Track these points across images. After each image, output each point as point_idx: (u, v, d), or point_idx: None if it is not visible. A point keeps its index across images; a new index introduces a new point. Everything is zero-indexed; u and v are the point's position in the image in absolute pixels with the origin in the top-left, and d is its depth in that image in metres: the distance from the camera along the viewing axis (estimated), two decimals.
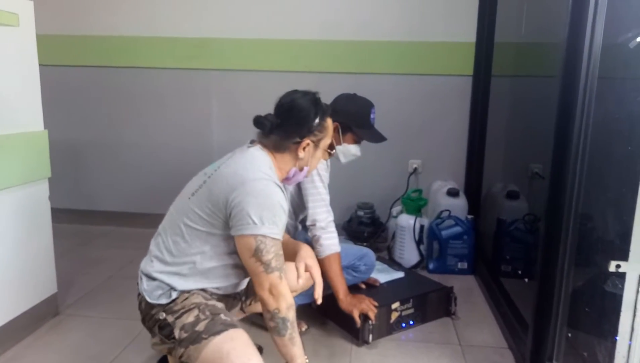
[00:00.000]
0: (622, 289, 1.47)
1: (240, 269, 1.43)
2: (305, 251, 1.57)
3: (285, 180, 1.52)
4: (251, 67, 3.13)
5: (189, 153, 3.19)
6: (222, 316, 1.35)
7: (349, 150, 2.01)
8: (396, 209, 2.96)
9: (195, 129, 3.27)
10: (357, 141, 2.03)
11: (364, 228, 3.00)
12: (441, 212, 2.73)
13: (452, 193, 2.80)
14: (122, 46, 3.26)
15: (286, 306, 1.35)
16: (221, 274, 1.42)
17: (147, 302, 1.39)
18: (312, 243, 1.86)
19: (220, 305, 1.42)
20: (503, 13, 2.79)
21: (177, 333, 1.31)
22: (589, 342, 1.67)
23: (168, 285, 1.38)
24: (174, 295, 1.36)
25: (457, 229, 2.68)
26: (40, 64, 1.94)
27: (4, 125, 1.77)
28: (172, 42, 3.22)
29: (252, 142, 1.49)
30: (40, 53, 1.93)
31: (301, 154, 1.46)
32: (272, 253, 1.32)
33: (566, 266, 1.54)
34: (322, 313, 2.10)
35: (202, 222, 1.36)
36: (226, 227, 1.35)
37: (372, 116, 2.04)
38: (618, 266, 1.42)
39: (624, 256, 1.44)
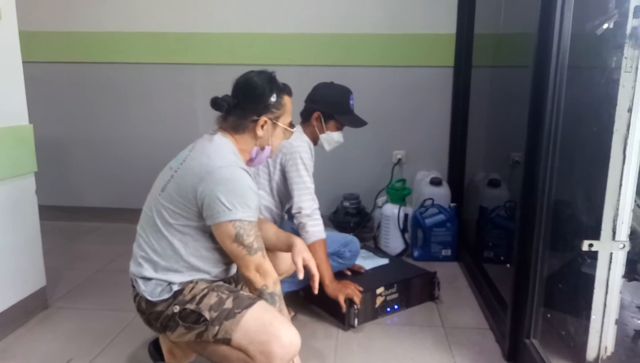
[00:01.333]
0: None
1: (225, 254, 1.45)
2: (301, 244, 1.59)
3: (250, 162, 1.53)
4: (235, 61, 3.15)
5: (175, 148, 3.11)
6: (242, 292, 1.41)
7: (332, 137, 2.08)
8: (381, 199, 3.01)
9: (180, 124, 3.28)
10: (339, 128, 2.10)
11: (350, 218, 3.05)
12: (425, 201, 2.79)
13: (435, 182, 2.86)
14: (106, 41, 3.26)
15: (272, 282, 1.41)
16: (209, 261, 1.44)
17: (148, 301, 1.40)
18: (297, 231, 1.90)
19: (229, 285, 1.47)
20: (482, 5, 2.84)
21: (207, 314, 1.34)
22: (567, 321, 1.74)
23: (165, 281, 1.40)
24: (175, 287, 1.39)
25: (441, 217, 2.74)
26: (24, 61, 1.95)
27: None
28: (156, 37, 3.23)
29: (214, 131, 1.50)
30: (24, 49, 1.94)
31: (260, 132, 1.46)
32: (252, 235, 1.35)
33: (541, 248, 1.61)
34: (309, 300, 2.15)
35: (176, 216, 1.38)
36: (200, 218, 1.37)
37: (351, 102, 2.10)
38: (590, 245, 1.49)
39: (597, 236, 1.51)
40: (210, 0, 3.17)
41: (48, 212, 2.42)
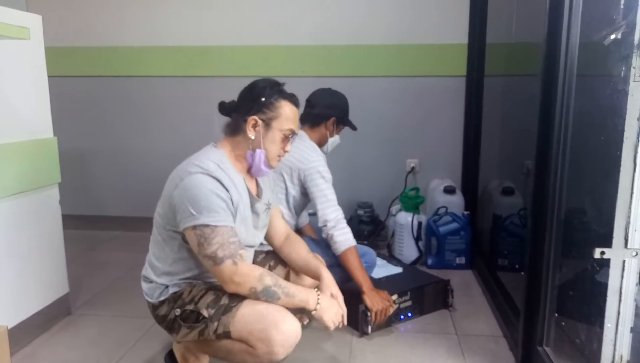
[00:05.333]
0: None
1: None
2: (329, 279, 1.55)
3: (250, 170, 1.52)
4: (250, 73, 3.16)
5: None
6: None
7: (335, 140, 2.18)
8: (395, 207, 3.03)
9: (198, 135, 3.33)
10: (339, 131, 2.19)
11: (364, 226, 3.08)
12: (438, 209, 2.81)
13: (448, 190, 2.88)
14: (126, 56, 3.37)
15: (257, 280, 1.35)
16: (188, 264, 1.46)
17: (151, 304, 1.48)
18: (326, 241, 1.95)
19: None
20: (494, 14, 2.87)
21: (205, 312, 1.38)
22: (581, 329, 1.73)
23: (162, 284, 1.46)
24: (171, 290, 1.45)
25: (454, 225, 2.75)
26: (49, 75, 2.03)
27: (16, 133, 1.87)
28: (175, 51, 3.33)
29: (215, 142, 1.54)
30: (49, 64, 2.03)
31: (250, 133, 1.44)
32: (216, 244, 1.32)
33: (552, 256, 1.61)
34: None
35: (165, 222, 1.44)
36: (177, 224, 1.40)
37: None
38: (602, 253, 1.49)
39: (609, 244, 1.51)
40: (225, 15, 3.26)
41: (70, 221, 2.50)
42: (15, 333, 1.84)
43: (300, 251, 1.67)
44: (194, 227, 1.33)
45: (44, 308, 2.01)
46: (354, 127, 2.20)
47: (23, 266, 1.90)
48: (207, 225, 1.32)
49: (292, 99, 1.51)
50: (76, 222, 3.26)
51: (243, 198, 1.47)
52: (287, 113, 1.48)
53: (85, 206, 3.51)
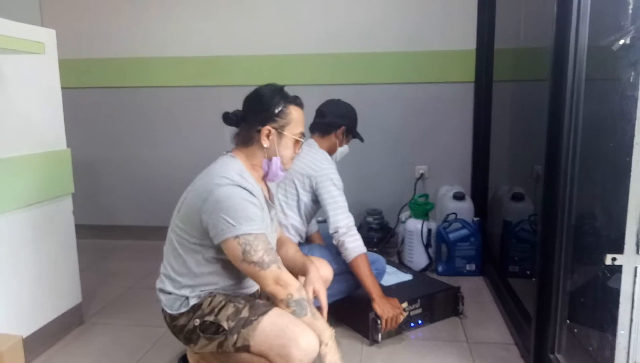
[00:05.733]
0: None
1: (236, 268, 1.47)
2: (314, 273, 1.58)
3: (266, 177, 1.56)
4: (259, 82, 3.21)
5: (202, 168, 3.30)
6: (259, 300, 1.45)
7: (344, 150, 2.21)
8: (404, 214, 3.03)
9: (207, 145, 3.39)
10: (348, 141, 2.22)
11: (373, 233, 3.08)
12: (448, 215, 2.80)
13: (458, 196, 2.87)
14: (137, 66, 3.42)
15: (296, 290, 1.40)
16: (221, 275, 1.49)
17: (170, 315, 1.49)
18: (336, 247, 1.96)
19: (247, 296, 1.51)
20: (502, 20, 2.87)
21: (225, 324, 1.39)
22: (593, 336, 1.72)
23: (183, 296, 1.47)
24: (192, 302, 1.46)
25: (464, 231, 2.74)
26: (62, 87, 2.08)
27: (31, 145, 1.91)
28: (184, 62, 3.37)
29: (227, 151, 1.56)
30: (62, 76, 2.07)
31: (265, 143, 1.48)
32: (261, 250, 1.36)
33: (563, 262, 1.60)
34: (333, 315, 2.17)
35: (188, 236, 1.45)
36: (207, 237, 1.41)
37: None
38: (614, 259, 1.48)
39: (621, 250, 1.50)
40: (233, 25, 3.29)
41: (83, 231, 2.53)
42: (29, 342, 1.87)
43: (289, 250, 1.70)
44: (236, 237, 1.35)
45: (58, 317, 2.04)
46: (361, 139, 2.25)
47: (37, 276, 1.93)
48: (249, 234, 1.35)
49: (297, 101, 1.55)
50: (88, 231, 3.30)
51: (263, 205, 1.50)
52: (296, 118, 1.52)
53: (98, 216, 3.56)
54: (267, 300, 1.60)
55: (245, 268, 1.39)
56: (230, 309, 1.42)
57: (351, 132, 2.19)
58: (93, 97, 3.49)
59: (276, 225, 1.64)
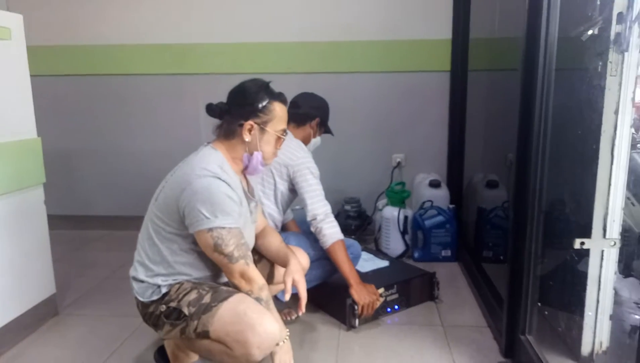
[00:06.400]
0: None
1: (211, 260, 1.48)
2: (294, 265, 1.60)
3: (246, 170, 1.56)
4: (236, 71, 3.21)
5: (178, 157, 3.21)
6: (223, 287, 1.46)
7: (317, 141, 2.24)
8: (381, 202, 3.06)
9: (183, 133, 3.35)
10: (321, 133, 2.25)
11: (351, 221, 3.10)
12: (424, 203, 2.84)
13: (434, 184, 2.91)
14: (110, 54, 3.34)
15: (258, 288, 1.44)
16: (196, 267, 1.49)
17: (141, 302, 1.49)
18: (313, 234, 1.98)
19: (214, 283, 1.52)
20: (477, 10, 2.90)
21: (185, 310, 1.39)
22: (562, 317, 1.78)
23: (155, 284, 1.47)
24: (164, 290, 1.46)
25: (440, 218, 2.79)
26: (31, 75, 2.02)
27: None
28: (160, 49, 3.31)
29: (208, 142, 1.55)
30: (31, 64, 2.01)
31: (247, 137, 1.48)
32: (232, 244, 1.38)
33: (534, 247, 1.65)
34: (311, 301, 2.20)
35: (165, 224, 1.44)
36: (183, 227, 1.42)
37: None
38: (582, 243, 1.53)
39: (589, 235, 1.55)
40: (211, 12, 3.24)
41: (56, 221, 2.48)
42: (1, 334, 1.84)
43: (273, 241, 1.71)
44: (210, 230, 1.36)
45: (31, 309, 2.01)
46: (331, 132, 2.28)
47: (8, 267, 1.89)
48: (223, 227, 1.37)
49: (281, 98, 1.55)
50: (63, 222, 3.24)
51: (242, 199, 1.50)
52: (280, 115, 1.53)
53: (72, 206, 3.49)
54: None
55: (216, 258, 1.41)
56: (193, 295, 1.42)
57: (324, 125, 2.22)
58: (66, 86, 3.40)
59: (256, 217, 1.64)
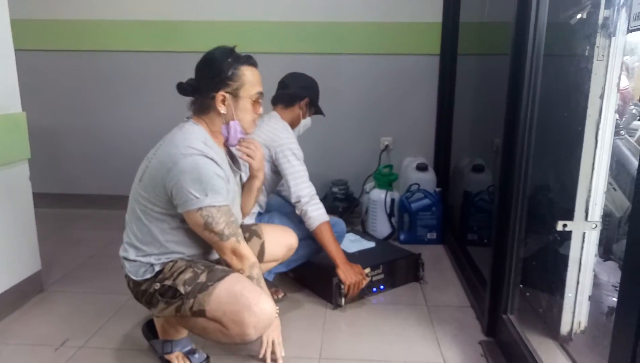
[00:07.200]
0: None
1: (200, 238, 1.48)
2: (275, 326, 1.60)
3: (227, 142, 1.53)
4: None
5: (163, 135, 3.25)
6: (218, 266, 1.46)
7: (307, 123, 2.22)
8: (369, 185, 3.08)
9: (169, 112, 3.25)
10: (311, 114, 2.21)
11: (338, 203, 3.12)
12: (411, 186, 2.87)
13: (421, 167, 2.93)
14: (97, 30, 3.27)
15: (249, 265, 1.45)
16: (187, 245, 1.49)
17: (134, 281, 1.49)
18: (297, 215, 1.97)
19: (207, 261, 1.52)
20: None
21: (181, 289, 1.40)
22: (543, 298, 1.83)
23: (147, 263, 1.47)
24: (157, 268, 1.46)
25: (426, 201, 2.82)
26: (16, 49, 1.97)
27: None
28: (148, 25, 3.25)
29: (189, 118, 1.53)
30: (17, 38, 1.97)
31: (221, 108, 1.45)
32: (222, 222, 1.39)
33: (518, 230, 1.68)
34: (298, 281, 2.23)
35: (152, 204, 1.43)
36: (172, 206, 1.41)
37: None
38: (564, 225, 1.57)
39: (571, 218, 1.59)
40: None
41: (42, 199, 2.46)
42: None
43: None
44: (199, 209, 1.36)
45: (15, 285, 2.00)
46: (322, 113, 2.22)
47: None
48: (213, 206, 1.37)
49: (250, 61, 1.50)
50: (48, 200, 3.20)
51: (229, 175, 1.49)
52: (251, 78, 1.48)
53: (57, 184, 3.45)
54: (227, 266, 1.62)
55: (207, 236, 1.41)
56: (188, 274, 1.43)
57: (314, 105, 2.18)
58: (51, 61, 3.33)
59: (240, 189, 1.64)
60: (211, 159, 1.40)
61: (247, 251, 1.46)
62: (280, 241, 1.82)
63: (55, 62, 3.34)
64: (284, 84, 2.14)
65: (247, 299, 1.36)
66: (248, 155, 1.59)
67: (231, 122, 1.48)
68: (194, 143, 1.40)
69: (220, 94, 1.45)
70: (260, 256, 1.75)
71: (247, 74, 1.47)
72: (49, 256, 2.40)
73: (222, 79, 1.45)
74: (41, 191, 2.39)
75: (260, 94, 1.52)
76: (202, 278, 1.41)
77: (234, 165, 1.58)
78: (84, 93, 3.38)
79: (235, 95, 1.46)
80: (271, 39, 3.20)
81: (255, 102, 1.51)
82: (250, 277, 1.44)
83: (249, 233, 1.76)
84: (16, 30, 1.97)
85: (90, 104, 3.40)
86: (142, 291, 1.48)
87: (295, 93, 2.12)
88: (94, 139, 3.43)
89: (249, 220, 1.95)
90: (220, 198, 1.38)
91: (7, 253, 1.95)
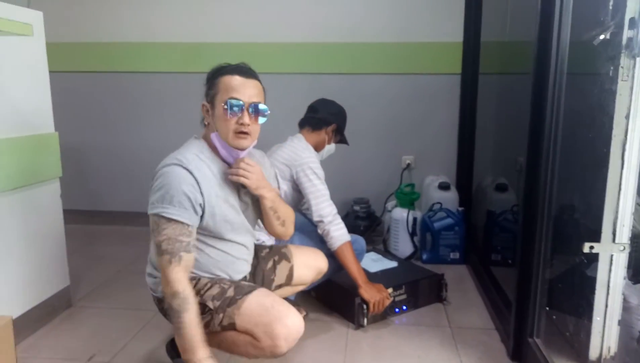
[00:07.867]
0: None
1: (205, 255, 1.48)
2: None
3: (226, 153, 1.47)
4: None
5: None
6: (244, 282, 1.48)
7: (331, 148, 2.23)
8: (390, 203, 3.08)
9: (192, 130, 3.35)
10: (336, 141, 2.24)
11: (360, 222, 3.12)
12: (433, 205, 2.85)
13: (443, 186, 2.92)
14: (124, 51, 3.39)
15: (170, 293, 1.32)
16: (197, 261, 1.47)
17: (156, 297, 1.52)
18: (317, 234, 1.99)
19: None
20: (488, 13, 2.90)
21: (210, 304, 1.42)
22: (571, 322, 1.78)
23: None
24: None
25: (449, 221, 2.79)
26: (50, 71, 2.06)
27: (18, 128, 1.90)
28: (171, 48, 3.35)
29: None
30: (50, 60, 2.06)
31: (206, 119, 1.47)
32: (164, 235, 1.33)
33: (543, 251, 1.66)
34: (320, 300, 2.22)
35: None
36: None
37: None
38: (591, 247, 1.54)
39: (598, 239, 1.56)
40: (222, 11, 3.28)
41: (71, 216, 2.52)
42: (17, 324, 1.86)
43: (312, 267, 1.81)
44: (151, 214, 1.37)
45: (46, 300, 2.05)
46: (347, 142, 2.27)
47: (25, 259, 1.93)
48: (161, 216, 1.34)
49: (236, 70, 1.44)
50: (75, 217, 3.28)
51: (223, 187, 1.45)
52: (226, 84, 1.41)
53: (86, 201, 3.54)
54: (252, 282, 1.62)
55: (153, 247, 1.43)
56: (215, 290, 1.45)
57: (340, 133, 2.21)
58: (82, 82, 3.45)
59: (257, 211, 1.60)
60: (186, 169, 1.37)
61: (175, 277, 1.33)
62: (310, 265, 1.81)
63: (86, 83, 3.46)
64: (313, 109, 2.18)
65: (278, 311, 1.37)
66: (240, 175, 1.45)
67: (212, 134, 1.44)
68: (182, 155, 1.41)
69: (202, 105, 1.48)
70: (289, 280, 1.76)
71: (225, 81, 1.41)
72: (77, 271, 2.46)
73: (206, 90, 1.48)
74: (69, 207, 2.45)
75: (234, 99, 1.38)
76: (230, 292, 1.43)
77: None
78: (110, 113, 3.49)
79: (212, 104, 1.44)
80: (293, 60, 3.26)
81: (228, 110, 1.38)
82: (169, 305, 1.33)
83: (278, 256, 1.76)
84: (49, 53, 2.06)
85: (117, 123, 3.50)
86: (166, 309, 1.50)
87: (323, 118, 2.15)
88: (119, 157, 3.53)
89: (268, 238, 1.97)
90: (172, 210, 1.33)
91: (38, 269, 2.01)
